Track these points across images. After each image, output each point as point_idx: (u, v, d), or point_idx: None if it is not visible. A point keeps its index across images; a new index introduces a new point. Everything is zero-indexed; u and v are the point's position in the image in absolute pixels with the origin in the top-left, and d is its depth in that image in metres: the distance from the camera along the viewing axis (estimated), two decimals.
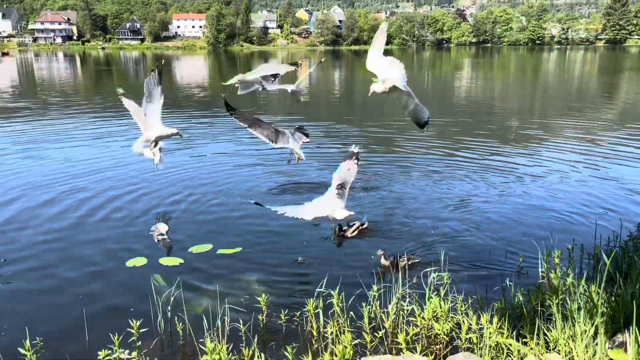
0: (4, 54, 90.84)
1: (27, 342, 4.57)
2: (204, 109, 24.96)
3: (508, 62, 79.71)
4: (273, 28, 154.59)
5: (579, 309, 4.47)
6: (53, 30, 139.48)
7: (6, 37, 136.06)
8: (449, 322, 5.01)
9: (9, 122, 20.19)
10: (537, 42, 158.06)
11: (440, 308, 5.10)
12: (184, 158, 13.49)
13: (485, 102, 28.76)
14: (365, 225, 8.10)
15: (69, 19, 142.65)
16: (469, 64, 71.15)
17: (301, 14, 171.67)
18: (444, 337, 4.90)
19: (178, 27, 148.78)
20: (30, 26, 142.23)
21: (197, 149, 14.77)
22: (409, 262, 6.73)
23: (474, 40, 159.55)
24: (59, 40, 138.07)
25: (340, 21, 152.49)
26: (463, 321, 4.90)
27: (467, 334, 4.78)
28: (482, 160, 12.98)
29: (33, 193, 10.25)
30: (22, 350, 4.59)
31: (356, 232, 7.95)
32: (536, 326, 4.40)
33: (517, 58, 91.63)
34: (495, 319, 4.66)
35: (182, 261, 7.16)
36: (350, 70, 59.92)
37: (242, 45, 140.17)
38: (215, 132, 18.08)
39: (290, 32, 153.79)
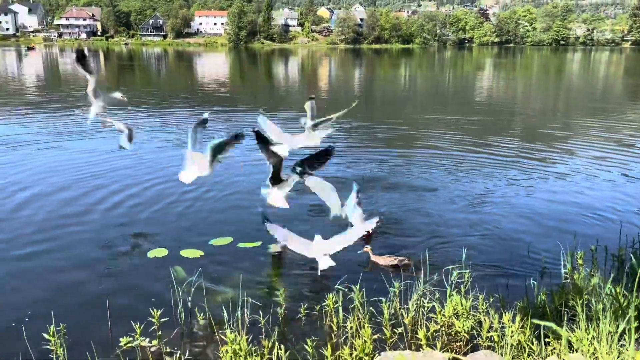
0: (29, 48, 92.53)
1: (52, 328, 4.66)
2: (224, 104, 25.11)
3: (531, 62, 78.66)
4: (294, 26, 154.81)
5: (604, 309, 4.40)
6: (78, 26, 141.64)
7: (32, 32, 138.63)
8: (470, 320, 4.97)
9: (35, 113, 20.57)
10: (562, 42, 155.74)
11: (461, 306, 5.06)
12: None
13: (508, 101, 28.44)
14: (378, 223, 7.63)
15: (93, 15, 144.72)
16: (491, 63, 70.39)
17: (322, 12, 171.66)
18: (465, 334, 4.86)
19: (200, 23, 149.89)
20: (55, 21, 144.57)
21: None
22: (401, 263, 6.64)
23: (496, 40, 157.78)
24: (83, 35, 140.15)
25: (361, 19, 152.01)
26: (484, 319, 4.86)
27: (488, 332, 4.73)
28: (506, 159, 12.84)
29: (56, 184, 10.42)
30: (46, 336, 4.68)
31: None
32: (560, 326, 4.34)
33: (541, 58, 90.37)
34: (517, 318, 4.61)
35: (202, 253, 7.21)
36: (371, 69, 59.71)
37: (262, 43, 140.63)
38: (234, 127, 18.16)
39: (311, 30, 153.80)
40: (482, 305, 5.13)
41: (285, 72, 53.43)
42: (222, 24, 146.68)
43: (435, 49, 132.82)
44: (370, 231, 7.19)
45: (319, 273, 6.23)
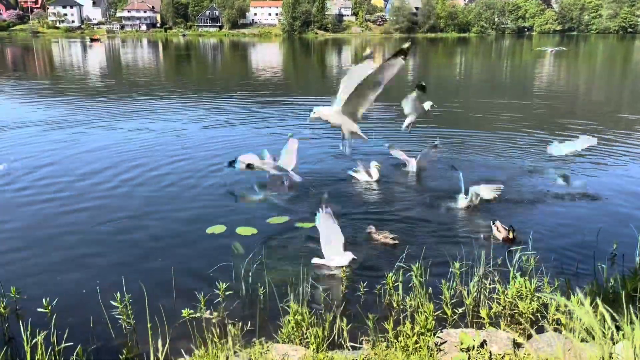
0: (93, 40, 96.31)
1: (121, 296, 4.88)
2: (279, 90, 25.33)
3: (595, 50, 74.99)
4: (348, 15, 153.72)
5: None
6: (138, 18, 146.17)
7: (96, 24, 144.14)
8: (535, 302, 4.83)
9: (98, 100, 21.46)
10: (629, 30, 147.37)
11: (525, 288, 4.92)
12: (265, 134, 13.90)
13: (569, 91, 27.25)
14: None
15: (153, 7, 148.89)
16: (553, 52, 67.54)
17: (377, 1, 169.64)
18: (529, 316, 4.73)
19: (255, 14, 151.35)
20: (118, 14, 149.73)
21: (274, 127, 15.20)
22: (392, 242, 6.82)
23: (558, 28, 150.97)
24: (143, 27, 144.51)
25: (416, 8, 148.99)
26: (550, 301, 4.70)
27: (554, 314, 4.58)
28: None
29: (120, 164, 10.87)
30: (114, 303, 4.90)
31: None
32: (632, 312, 4.14)
33: (606, 47, 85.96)
34: (586, 301, 4.43)
35: (259, 231, 7.34)
36: (425, 57, 58.62)
37: (316, 33, 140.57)
38: (287, 112, 18.33)
39: (365, 19, 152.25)
40: (547, 287, 4.98)
41: (337, 62, 53.25)
42: (277, 14, 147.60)
43: (492, 38, 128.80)
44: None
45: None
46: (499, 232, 6.95)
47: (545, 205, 8.33)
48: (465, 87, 29.38)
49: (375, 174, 9.71)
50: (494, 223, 7.13)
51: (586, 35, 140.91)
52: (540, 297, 4.89)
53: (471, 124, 15.62)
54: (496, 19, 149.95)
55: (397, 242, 6.86)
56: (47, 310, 4.78)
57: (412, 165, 10.18)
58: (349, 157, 9.58)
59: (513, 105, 19.59)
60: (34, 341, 4.13)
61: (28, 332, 4.20)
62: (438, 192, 9.16)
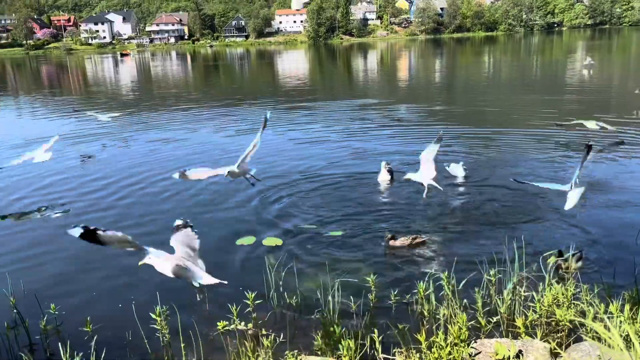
0: (123, 55, 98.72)
1: (158, 308, 4.97)
2: (306, 96, 25.43)
3: (629, 43, 72.90)
4: (372, 19, 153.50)
5: None
6: (167, 31, 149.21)
7: (126, 39, 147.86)
8: (572, 309, 4.70)
9: (129, 111, 21.95)
10: None
11: (562, 295, 4.80)
12: (292, 141, 14.01)
13: (604, 84, 26.55)
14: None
15: (180, 20, 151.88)
16: (584, 46, 66.01)
17: (401, 3, 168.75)
18: (567, 324, 4.61)
19: (280, 22, 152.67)
20: (147, 28, 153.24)
21: (301, 133, 15.31)
22: (414, 242, 6.87)
23: (589, 22, 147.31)
24: (172, 40, 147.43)
25: (441, 9, 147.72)
26: (588, 309, 4.57)
27: (592, 322, 4.44)
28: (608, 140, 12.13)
29: (151, 175, 11.09)
30: (153, 315, 4.99)
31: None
32: None
33: None
34: (626, 308, 4.30)
35: (289, 241, 7.37)
36: (452, 58, 58.02)
37: (341, 38, 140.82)
38: (317, 116, 18.37)
39: (390, 22, 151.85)
40: (586, 295, 4.84)
41: (363, 66, 53.22)
42: (302, 21, 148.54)
43: (521, 35, 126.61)
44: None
45: None
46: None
47: (583, 208, 8.09)
48: (494, 86, 28.94)
49: (386, 175, 9.85)
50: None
51: (618, 28, 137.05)
52: (578, 305, 4.76)
53: (501, 122, 15.37)
54: (524, 16, 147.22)
55: (421, 240, 6.90)
56: (88, 329, 4.90)
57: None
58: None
59: (545, 101, 19.23)
60: (74, 357, 4.23)
61: (68, 348, 4.30)
62: (465, 195, 9.06)
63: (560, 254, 6.02)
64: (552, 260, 5.80)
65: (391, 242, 6.95)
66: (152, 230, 8.06)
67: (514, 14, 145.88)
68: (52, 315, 5.21)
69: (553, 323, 4.72)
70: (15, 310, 5.20)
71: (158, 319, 4.95)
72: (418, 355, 4.24)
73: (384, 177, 9.92)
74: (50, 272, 6.80)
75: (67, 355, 4.20)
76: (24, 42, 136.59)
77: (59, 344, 4.47)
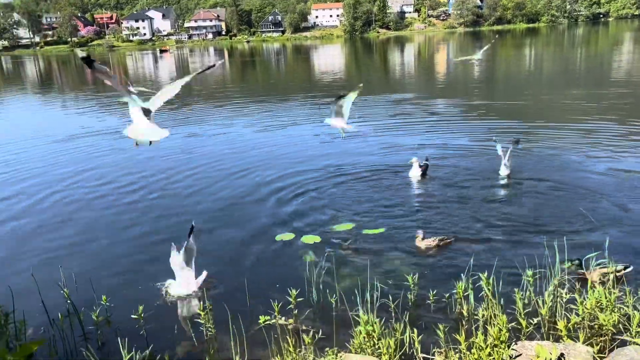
0: (162, 51, 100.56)
1: (202, 303, 5.16)
2: (342, 90, 25.40)
3: None
4: (410, 12, 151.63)
5: None
6: (205, 27, 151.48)
7: (166, 35, 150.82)
8: (616, 313, 4.63)
9: (168, 107, 22.43)
10: None
11: (606, 298, 4.73)
12: (328, 136, 14.12)
13: None
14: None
15: (218, 16, 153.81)
16: (632, 38, 63.56)
17: None
18: (610, 328, 4.54)
19: (316, 17, 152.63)
20: (185, 24, 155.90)
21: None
22: (441, 243, 6.88)
23: (637, 12, 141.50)
24: (210, 36, 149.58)
25: (481, 0, 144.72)
26: (633, 313, 4.50)
27: (638, 327, 4.38)
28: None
29: (195, 171, 11.36)
30: (198, 310, 5.19)
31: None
32: None
33: None
34: None
35: (327, 238, 7.47)
36: (491, 50, 56.81)
37: (378, 32, 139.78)
38: (353, 111, 18.36)
39: (428, 15, 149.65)
40: (630, 298, 4.76)
41: (400, 59, 52.75)
42: (338, 15, 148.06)
43: (565, 27, 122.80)
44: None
45: None
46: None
47: (625, 207, 7.91)
48: (536, 79, 28.25)
49: (417, 171, 9.89)
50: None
51: None
52: (622, 309, 4.69)
53: (542, 116, 15.04)
54: (568, 7, 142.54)
55: (448, 240, 6.95)
56: (139, 317, 5.14)
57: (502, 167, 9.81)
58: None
59: (590, 95, 18.71)
60: (125, 346, 4.44)
61: (119, 338, 4.51)
62: (506, 193, 8.97)
63: (580, 263, 5.83)
64: (567, 266, 5.70)
65: (417, 243, 7.00)
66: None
67: (557, 5, 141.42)
68: (103, 307, 5.46)
69: (596, 327, 4.66)
70: (69, 301, 5.47)
71: (202, 312, 5.13)
72: (457, 355, 4.27)
73: (414, 173, 9.92)
74: (102, 263, 7.08)
75: (121, 346, 4.40)
76: (69, 39, 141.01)
77: (112, 334, 4.70)
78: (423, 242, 6.95)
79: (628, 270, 5.69)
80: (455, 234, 7.26)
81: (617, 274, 5.58)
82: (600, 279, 5.49)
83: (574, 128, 13.73)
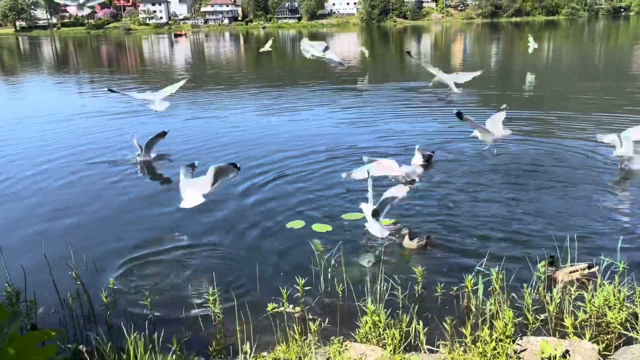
0: (177, 35, 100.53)
1: (210, 289, 5.22)
2: (357, 78, 25.32)
3: None
4: (427, 2, 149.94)
5: None
6: (221, 12, 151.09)
7: (182, 19, 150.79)
8: (624, 311, 4.61)
9: (182, 93, 22.50)
10: None
11: (614, 296, 4.71)
12: (341, 124, 14.10)
13: None
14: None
15: (235, 1, 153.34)
16: None
17: None
18: (617, 326, 4.52)
19: (333, 4, 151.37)
20: (202, 9, 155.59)
21: (352, 114, 15.39)
22: (427, 241, 6.69)
23: None
24: (226, 21, 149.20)
25: None
26: None
27: None
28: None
29: (206, 155, 11.41)
30: (206, 296, 5.26)
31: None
32: None
33: None
34: None
35: (338, 227, 7.48)
36: (509, 43, 56.09)
37: (395, 21, 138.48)
38: (367, 99, 18.31)
39: (446, 5, 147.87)
40: (639, 297, 4.73)
41: (417, 49, 52.25)
42: (355, 3, 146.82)
43: (585, 20, 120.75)
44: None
45: None
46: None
47: (631, 205, 7.83)
48: (554, 70, 27.89)
49: (419, 159, 9.80)
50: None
51: None
52: (631, 307, 4.67)
53: (558, 108, 14.87)
54: (588, 0, 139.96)
55: (427, 240, 6.71)
56: (147, 303, 5.22)
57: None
58: None
59: (608, 88, 18.43)
60: (133, 329, 4.51)
61: (127, 321, 4.59)
62: (516, 186, 8.90)
63: (552, 261, 5.70)
64: (541, 266, 5.60)
65: (405, 243, 6.78)
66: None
67: None
68: (110, 290, 5.55)
69: (603, 324, 4.65)
70: (78, 282, 5.56)
71: (211, 298, 5.19)
72: (462, 348, 4.28)
73: (416, 161, 9.80)
74: (113, 244, 7.17)
75: (128, 329, 4.47)
76: (86, 21, 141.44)
77: (120, 317, 4.78)
78: (412, 242, 6.73)
79: (592, 270, 5.58)
80: (466, 231, 7.20)
81: (583, 274, 5.52)
82: (563, 279, 5.40)
83: (589, 120, 13.56)
